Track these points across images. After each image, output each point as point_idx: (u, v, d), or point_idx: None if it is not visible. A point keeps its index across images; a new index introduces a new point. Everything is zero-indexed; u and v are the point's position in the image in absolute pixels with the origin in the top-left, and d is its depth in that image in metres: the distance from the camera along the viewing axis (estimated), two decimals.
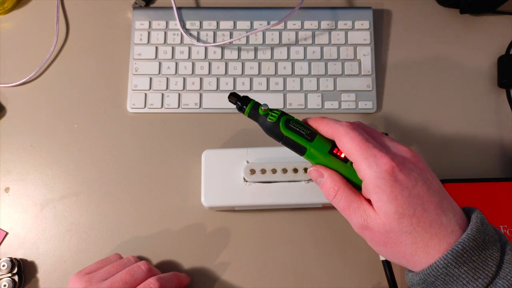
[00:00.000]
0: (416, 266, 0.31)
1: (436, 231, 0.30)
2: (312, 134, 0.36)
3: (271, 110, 0.37)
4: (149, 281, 0.40)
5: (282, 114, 0.37)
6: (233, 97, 0.38)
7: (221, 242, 0.48)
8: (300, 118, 0.53)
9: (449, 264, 0.29)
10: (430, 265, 0.30)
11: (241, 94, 0.38)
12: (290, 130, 0.36)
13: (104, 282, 0.40)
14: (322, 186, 0.35)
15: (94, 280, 0.40)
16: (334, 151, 0.35)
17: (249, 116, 0.38)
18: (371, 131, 0.35)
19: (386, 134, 0.37)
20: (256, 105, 0.38)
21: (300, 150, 0.36)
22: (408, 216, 0.30)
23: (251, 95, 0.53)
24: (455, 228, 0.30)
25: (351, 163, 0.34)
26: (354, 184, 0.35)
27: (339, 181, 0.34)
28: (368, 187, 0.32)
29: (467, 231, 0.30)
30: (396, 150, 0.33)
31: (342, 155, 0.35)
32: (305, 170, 0.44)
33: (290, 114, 0.37)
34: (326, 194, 0.35)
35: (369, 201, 0.33)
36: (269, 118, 0.36)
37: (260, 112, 0.37)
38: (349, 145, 0.32)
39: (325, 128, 0.35)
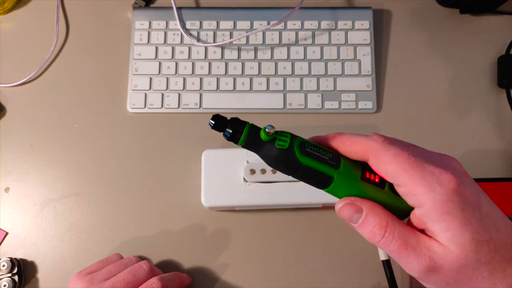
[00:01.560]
0: None
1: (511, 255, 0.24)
2: (335, 158, 0.27)
3: (277, 132, 0.27)
4: (151, 281, 0.40)
5: (293, 136, 0.27)
6: (219, 121, 0.27)
7: (221, 242, 0.48)
8: (300, 118, 0.54)
9: None
10: None
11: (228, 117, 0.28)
12: (309, 157, 0.26)
13: (106, 282, 0.39)
14: (361, 226, 0.27)
15: (96, 280, 0.40)
16: (367, 176, 0.27)
17: (246, 146, 0.27)
18: (405, 143, 0.28)
19: None
20: (255, 129, 0.27)
21: (323, 181, 0.27)
22: (486, 242, 0.24)
23: (251, 95, 0.54)
24: None
25: (390, 186, 0.27)
26: (396, 213, 0.27)
27: (385, 215, 0.26)
28: (432, 215, 0.24)
29: None
30: (442, 160, 0.26)
31: (376, 179, 0.27)
32: None
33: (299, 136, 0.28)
34: (370, 235, 0.26)
35: (422, 231, 0.26)
36: (278, 144, 0.26)
37: (263, 137, 0.27)
38: (394, 165, 0.25)
39: (352, 148, 0.27)
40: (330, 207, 0.48)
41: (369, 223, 0.26)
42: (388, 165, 0.26)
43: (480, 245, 0.24)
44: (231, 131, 0.27)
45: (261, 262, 0.48)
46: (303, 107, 0.53)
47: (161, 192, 0.50)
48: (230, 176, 0.45)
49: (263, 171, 0.44)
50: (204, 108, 0.53)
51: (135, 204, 0.50)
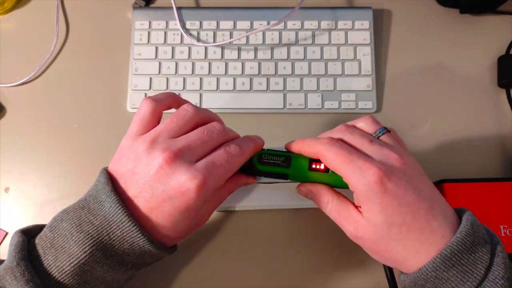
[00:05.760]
0: (409, 270, 0.32)
1: (426, 237, 0.31)
2: (286, 160, 0.36)
3: None
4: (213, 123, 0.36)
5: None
6: None
7: (221, 242, 0.48)
8: (300, 118, 0.54)
9: (437, 268, 0.30)
10: (420, 268, 0.31)
11: None
12: (265, 165, 0.37)
13: (177, 139, 0.34)
14: (314, 200, 0.37)
15: (163, 138, 0.35)
16: (313, 167, 0.36)
17: None
18: (358, 139, 0.34)
19: (388, 131, 0.36)
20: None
21: (282, 177, 0.37)
22: (397, 225, 0.31)
23: (251, 95, 0.54)
24: (446, 233, 0.31)
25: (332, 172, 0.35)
26: (344, 188, 0.35)
27: (327, 192, 0.36)
28: (359, 198, 0.32)
29: (456, 234, 0.30)
30: (385, 158, 0.32)
31: (322, 166, 0.36)
32: None
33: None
34: (320, 207, 0.37)
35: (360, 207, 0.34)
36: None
37: None
38: (335, 162, 0.33)
39: (308, 150, 0.36)
40: None
41: (317, 199, 0.36)
42: (331, 162, 0.34)
43: (391, 227, 0.31)
44: None
45: (261, 262, 0.48)
46: (303, 107, 0.53)
47: None
48: None
49: None
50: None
51: None
